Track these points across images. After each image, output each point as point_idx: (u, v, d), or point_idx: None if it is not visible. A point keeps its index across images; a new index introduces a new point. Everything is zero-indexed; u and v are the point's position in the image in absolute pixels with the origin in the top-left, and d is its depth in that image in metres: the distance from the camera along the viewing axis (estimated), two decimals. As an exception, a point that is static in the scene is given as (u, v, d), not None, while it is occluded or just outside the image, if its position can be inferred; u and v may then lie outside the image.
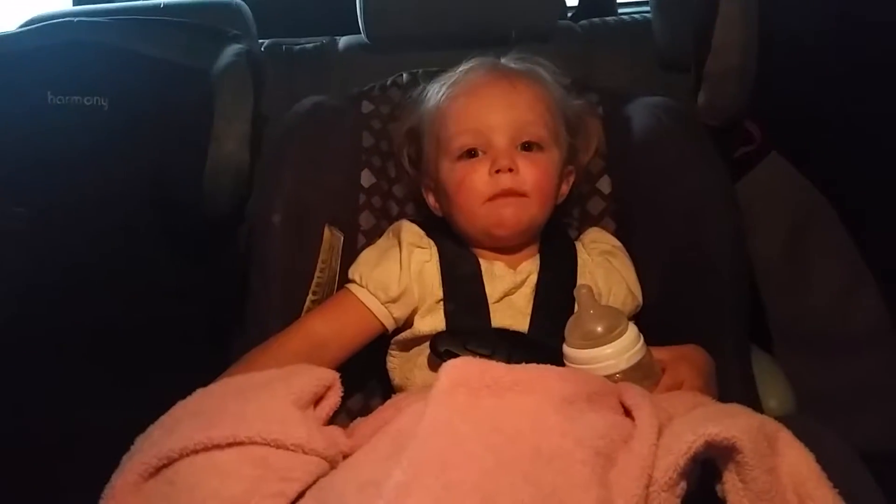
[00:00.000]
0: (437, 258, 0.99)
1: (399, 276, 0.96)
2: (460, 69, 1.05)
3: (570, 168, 1.05)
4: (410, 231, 1.01)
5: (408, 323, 0.98)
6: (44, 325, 1.04)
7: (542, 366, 0.76)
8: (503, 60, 1.06)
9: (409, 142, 1.08)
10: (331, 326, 0.95)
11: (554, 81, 1.05)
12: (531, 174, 0.96)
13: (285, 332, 0.95)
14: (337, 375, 0.84)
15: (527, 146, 0.98)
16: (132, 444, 0.72)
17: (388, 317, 0.96)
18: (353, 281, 0.98)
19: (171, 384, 0.78)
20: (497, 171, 0.95)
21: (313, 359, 0.89)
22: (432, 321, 0.95)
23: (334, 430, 0.78)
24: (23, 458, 0.96)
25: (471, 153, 0.97)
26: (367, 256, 1.01)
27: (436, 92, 1.05)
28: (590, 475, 0.63)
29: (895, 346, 1.34)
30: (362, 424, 0.82)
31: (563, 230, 1.09)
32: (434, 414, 0.67)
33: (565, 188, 1.05)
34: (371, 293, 0.96)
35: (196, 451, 0.67)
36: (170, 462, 0.67)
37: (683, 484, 0.65)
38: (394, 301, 0.96)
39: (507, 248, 1.00)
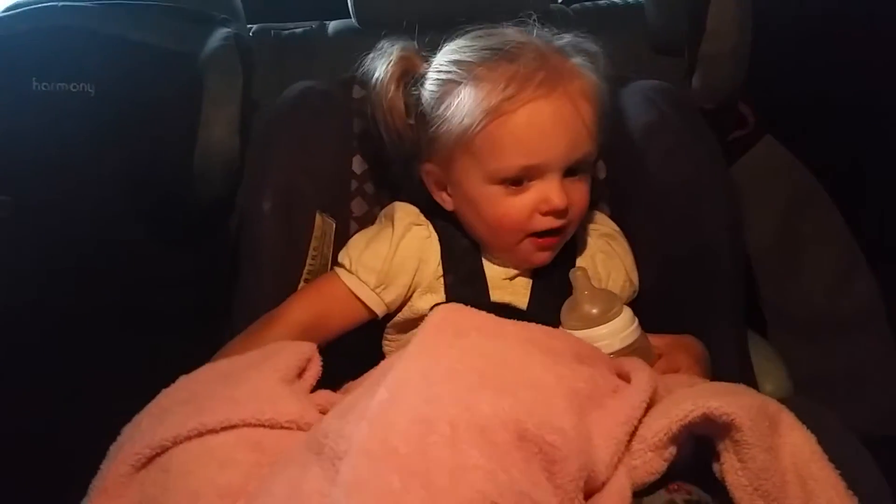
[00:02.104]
0: (437, 234, 0.96)
1: (387, 256, 0.93)
2: (510, 47, 0.90)
3: None
4: (405, 210, 0.98)
5: (404, 303, 0.95)
6: (29, 315, 1.02)
7: (529, 323, 0.76)
8: (560, 45, 0.93)
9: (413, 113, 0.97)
10: (314, 316, 0.93)
11: (608, 92, 0.94)
12: (576, 207, 0.90)
13: (266, 320, 0.92)
14: (314, 346, 0.83)
15: (573, 171, 0.89)
16: (119, 433, 0.71)
17: (379, 303, 0.94)
18: (341, 265, 0.95)
19: (162, 373, 0.77)
20: (546, 213, 0.88)
21: None
22: (433, 299, 0.93)
23: (327, 394, 0.78)
24: (13, 449, 0.95)
25: (516, 182, 0.88)
26: (356, 240, 0.98)
27: (478, 84, 0.88)
28: (567, 407, 0.63)
29: (889, 330, 1.34)
30: (355, 385, 0.82)
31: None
32: (420, 340, 0.68)
33: None
34: (361, 280, 0.93)
35: (189, 438, 0.66)
36: (163, 450, 0.66)
37: (672, 449, 0.65)
38: (385, 286, 0.93)
39: None
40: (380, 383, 0.65)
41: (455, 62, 0.91)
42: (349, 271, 0.94)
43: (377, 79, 0.96)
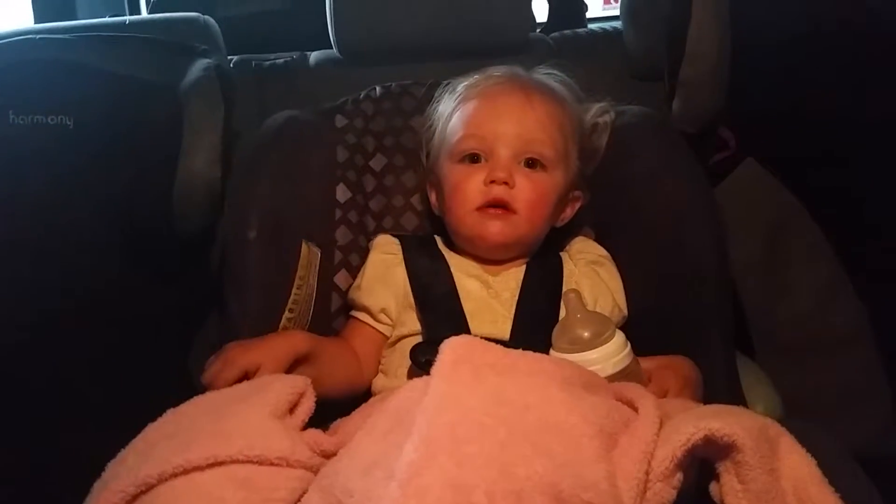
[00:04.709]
0: (404, 265, 1.00)
1: (367, 277, 1.01)
2: (483, 73, 1.05)
3: (578, 193, 1.04)
4: (380, 242, 1.04)
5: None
6: (12, 355, 0.99)
7: (537, 353, 0.75)
8: (529, 72, 1.06)
9: (428, 138, 1.09)
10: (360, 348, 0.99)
11: (575, 102, 1.04)
12: (526, 192, 0.95)
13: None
14: (309, 381, 0.81)
15: (529, 163, 0.97)
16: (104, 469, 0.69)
17: (385, 327, 0.99)
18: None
19: (147, 407, 0.75)
20: (491, 182, 0.94)
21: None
22: (408, 322, 0.97)
23: (316, 434, 0.75)
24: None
25: (472, 158, 0.97)
26: (356, 283, 1.04)
27: (453, 90, 1.05)
28: (598, 450, 0.62)
29: (875, 350, 1.34)
30: (344, 423, 0.80)
31: (548, 241, 1.07)
32: (439, 388, 0.65)
33: (569, 212, 1.04)
34: (359, 303, 1.01)
35: (175, 475, 0.64)
36: (148, 488, 0.64)
37: (679, 476, 0.64)
38: (383, 311, 0.99)
39: (493, 259, 1.00)
40: (393, 431, 0.64)
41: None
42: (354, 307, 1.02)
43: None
